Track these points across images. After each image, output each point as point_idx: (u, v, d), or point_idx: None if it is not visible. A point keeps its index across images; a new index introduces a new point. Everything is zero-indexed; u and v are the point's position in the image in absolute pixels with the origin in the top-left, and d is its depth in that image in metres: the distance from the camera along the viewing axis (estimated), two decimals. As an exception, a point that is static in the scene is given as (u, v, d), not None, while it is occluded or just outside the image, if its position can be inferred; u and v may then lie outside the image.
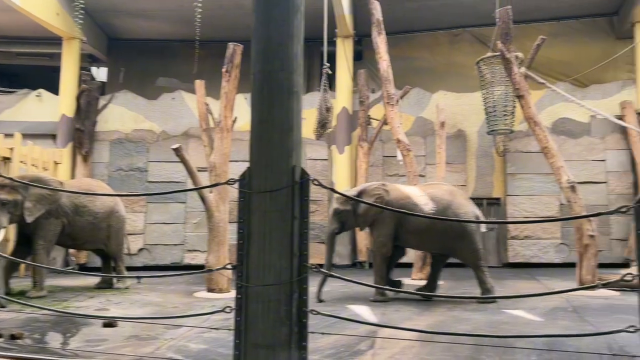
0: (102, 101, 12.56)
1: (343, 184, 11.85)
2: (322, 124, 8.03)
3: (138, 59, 14.43)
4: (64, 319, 5.79)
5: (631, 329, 2.58)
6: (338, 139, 12.14)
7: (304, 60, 13.70)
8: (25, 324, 5.43)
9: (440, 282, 9.07)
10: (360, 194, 7.12)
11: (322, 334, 3.43)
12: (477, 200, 12.28)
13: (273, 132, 3.06)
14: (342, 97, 12.23)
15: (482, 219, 7.15)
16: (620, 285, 7.51)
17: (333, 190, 3.61)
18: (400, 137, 9.49)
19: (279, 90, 3.09)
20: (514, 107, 10.52)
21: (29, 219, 7.12)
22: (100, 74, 15.21)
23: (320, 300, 6.83)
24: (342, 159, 12.11)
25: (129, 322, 5.48)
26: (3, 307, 6.17)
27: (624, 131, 11.41)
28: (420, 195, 7.10)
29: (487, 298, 6.71)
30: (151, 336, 5.04)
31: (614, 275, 7.61)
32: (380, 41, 9.57)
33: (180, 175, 11.47)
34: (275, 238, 3.01)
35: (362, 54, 13.28)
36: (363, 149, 11.89)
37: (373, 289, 7.11)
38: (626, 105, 11.62)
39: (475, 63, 11.07)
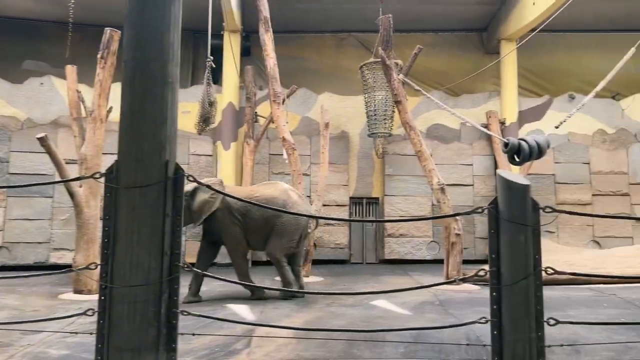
0: (-45, 81, 11.19)
1: (228, 181, 11.66)
2: (205, 119, 7.82)
3: (1, 38, 13.03)
4: None
5: (483, 320, 2.81)
6: (224, 134, 11.93)
7: (190, 52, 13.39)
8: None
9: (320, 279, 9.30)
10: (196, 189, 6.99)
11: (194, 334, 3.32)
12: (358, 200, 12.77)
13: (145, 124, 2.90)
14: (229, 92, 12.04)
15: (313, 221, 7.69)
16: (476, 280, 8.22)
17: (209, 187, 3.51)
18: (285, 135, 9.55)
19: (153, 80, 2.93)
20: (393, 111, 11.06)
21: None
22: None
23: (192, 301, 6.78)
24: (228, 156, 11.92)
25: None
26: None
27: (489, 138, 12.49)
28: (257, 195, 7.11)
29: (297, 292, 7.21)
30: (4, 343, 4.57)
31: (476, 270, 8.29)
32: (267, 38, 9.54)
33: (47, 167, 10.52)
34: (145, 236, 2.86)
35: (250, 50, 13.17)
36: (249, 146, 11.80)
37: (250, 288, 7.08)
38: (491, 114, 12.72)
39: (359, 67, 11.48)
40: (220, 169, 11.94)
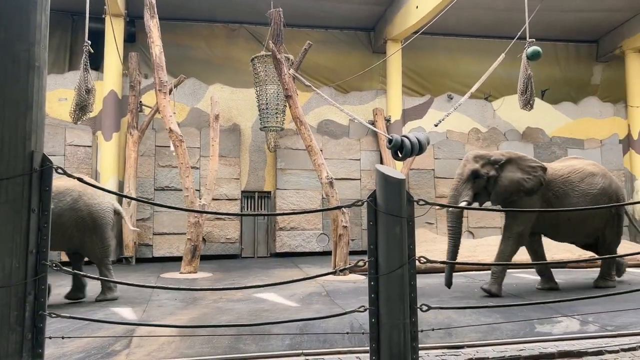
0: None
1: (110, 173, 11.04)
2: (82, 107, 7.29)
3: None
4: None
5: (362, 309, 2.92)
6: (105, 124, 11.25)
7: (68, 36, 12.40)
8: None
9: (209, 274, 9.13)
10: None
11: (63, 337, 3.10)
12: (250, 193, 12.70)
13: (5, 111, 2.64)
14: (111, 80, 11.36)
15: (123, 212, 6.69)
16: (356, 271, 8.57)
17: (80, 179, 3.28)
18: (172, 126, 9.22)
19: (15, 62, 2.68)
20: (285, 106, 11.13)
21: None
22: None
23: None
24: (109, 147, 11.26)
25: None
26: None
27: (375, 134, 13.01)
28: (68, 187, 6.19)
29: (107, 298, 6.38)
30: None
31: (356, 261, 8.62)
32: (152, 25, 9.13)
33: None
34: (5, 234, 2.61)
35: (135, 36, 12.53)
36: (133, 137, 11.24)
37: (135, 287, 6.75)
38: (378, 112, 13.27)
39: (250, 60, 11.39)
40: (100, 161, 11.25)
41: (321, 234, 12.58)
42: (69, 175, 2.96)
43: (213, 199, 10.32)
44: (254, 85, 11.64)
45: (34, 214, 2.71)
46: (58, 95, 11.24)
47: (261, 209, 12.83)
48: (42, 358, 2.67)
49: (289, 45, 9.70)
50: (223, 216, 11.91)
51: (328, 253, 11.76)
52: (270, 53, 9.63)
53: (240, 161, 12.56)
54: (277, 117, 11.61)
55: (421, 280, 5.77)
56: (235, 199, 12.31)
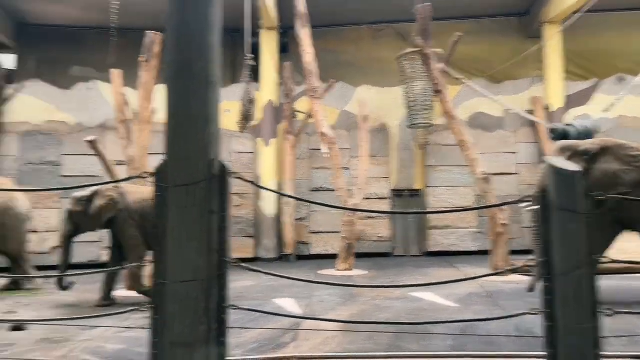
0: (8, 90, 11.71)
1: (269, 177, 11.81)
2: (246, 117, 7.93)
3: (50, 46, 13.55)
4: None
5: (534, 311, 2.75)
6: (264, 131, 12.07)
7: (229, 52, 13.60)
8: None
9: (365, 272, 9.30)
10: (94, 195, 6.71)
11: (241, 328, 3.39)
12: (399, 192, 12.67)
13: (189, 124, 2.97)
14: (268, 90, 12.16)
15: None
16: (525, 271, 8.02)
17: (253, 183, 3.56)
18: (324, 130, 9.57)
19: (196, 80, 2.99)
20: (433, 101, 10.91)
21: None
22: (7, 60, 14.16)
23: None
24: (268, 152, 12.05)
25: (39, 324, 5.17)
26: None
27: (533, 125, 12.15)
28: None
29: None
30: (64, 338, 4.78)
31: (524, 261, 8.10)
32: (304, 34, 9.57)
33: (96, 169, 10.89)
34: (193, 233, 2.92)
35: (288, 47, 13.23)
36: (289, 142, 11.90)
37: (300, 282, 7.12)
38: (536, 100, 12.37)
39: (396, 58, 11.37)
40: (261, 166, 12.09)
41: (476, 232, 12.09)
42: (244, 180, 3.23)
43: (364, 198, 10.50)
44: (400, 83, 11.60)
45: (215, 215, 2.99)
46: (223, 108, 12.30)
47: (411, 208, 12.73)
48: (225, 347, 2.94)
49: (436, 39, 9.47)
50: (375, 215, 12.05)
51: (484, 252, 11.27)
52: (416, 49, 9.52)
53: (389, 160, 12.60)
54: (425, 114, 11.43)
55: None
56: (386, 198, 12.38)
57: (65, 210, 6.89)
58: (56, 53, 13.53)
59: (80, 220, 6.68)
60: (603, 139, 6.14)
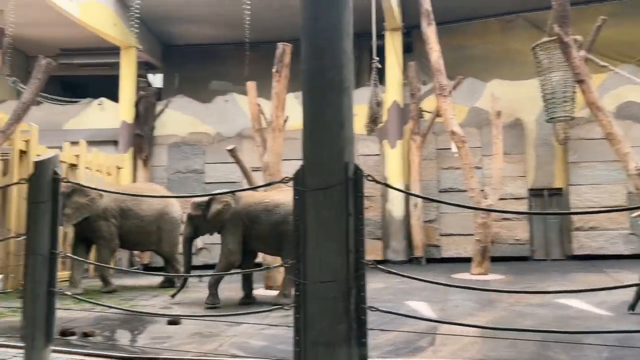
0: (158, 106, 12.99)
1: (396, 179, 11.73)
2: (374, 119, 7.97)
3: (191, 64, 14.82)
4: (131, 317, 6.04)
5: None
6: (390, 133, 12.03)
7: (354, 56, 13.60)
8: (96, 322, 5.70)
9: (501, 277, 8.85)
10: (211, 200, 7.03)
11: (382, 330, 3.40)
12: (538, 191, 11.88)
13: (324, 130, 3.05)
14: (393, 91, 12.11)
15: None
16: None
17: (387, 185, 3.55)
18: (454, 128, 9.29)
19: (330, 87, 3.07)
20: (574, 92, 10.09)
21: (66, 224, 7.54)
22: (156, 80, 15.73)
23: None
24: (395, 154, 11.99)
25: (192, 319, 5.65)
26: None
27: (697, 112, 10.70)
28: (267, 201, 6.96)
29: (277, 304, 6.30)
30: (213, 333, 5.17)
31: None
32: (430, 32, 9.39)
33: (235, 176, 11.68)
34: (331, 235, 3.00)
35: (412, 46, 13.08)
36: (415, 142, 11.73)
37: (432, 285, 6.98)
38: (699, 84, 10.87)
39: (531, 49, 10.69)
40: (387, 168, 12.06)
41: (629, 234, 10.93)
42: (377, 182, 3.24)
43: (499, 199, 9.99)
44: (536, 75, 10.88)
45: (351, 217, 3.04)
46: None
47: (551, 208, 11.85)
48: (366, 347, 2.96)
49: (574, 25, 8.72)
50: (511, 216, 11.42)
51: (637, 256, 10.18)
52: (553, 38, 8.87)
53: (526, 157, 11.87)
54: (565, 106, 10.58)
55: None
56: (522, 198, 11.67)
57: (186, 215, 7.48)
58: (197, 70, 14.75)
59: (199, 223, 7.19)
60: None
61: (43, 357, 3.39)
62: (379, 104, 7.85)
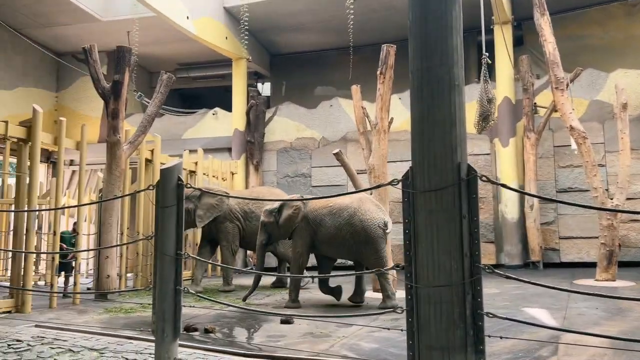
0: (268, 114, 13.53)
1: (509, 179, 11.18)
2: (484, 117, 7.65)
3: (297, 72, 15.25)
4: (247, 315, 6.32)
5: None
6: (501, 131, 11.49)
7: (461, 53, 12.96)
8: (215, 319, 6.04)
9: (630, 283, 8.09)
10: (282, 206, 7.22)
11: (501, 337, 3.24)
12: (674, 190, 10.71)
13: (435, 129, 2.98)
14: (503, 87, 11.56)
15: (390, 224, 6.77)
16: None
17: (505, 186, 3.37)
18: (573, 124, 8.66)
19: (439, 85, 3.00)
20: None
21: (199, 225, 8.02)
22: (265, 89, 16.39)
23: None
24: (507, 153, 11.43)
25: (304, 319, 5.79)
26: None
27: None
28: (331, 204, 6.95)
29: (386, 309, 6.08)
30: (324, 334, 5.25)
31: None
32: (543, 22, 8.84)
33: (341, 179, 11.83)
34: (443, 238, 2.92)
35: (523, 39, 12.40)
36: (530, 140, 11.09)
37: (551, 292, 6.55)
38: None
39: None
40: (499, 167, 11.53)
41: None
42: (493, 182, 3.11)
43: (626, 199, 9.13)
44: (668, 61, 9.83)
45: (465, 220, 2.93)
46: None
47: (692, 208, 10.60)
48: (483, 354, 2.84)
49: None
50: (641, 217, 10.40)
51: None
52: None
53: (658, 152, 10.75)
54: None
55: None
56: (655, 197, 10.58)
57: (260, 222, 7.70)
58: (302, 77, 15.15)
59: (272, 229, 7.40)
60: None
61: (171, 351, 3.65)
62: (490, 100, 7.51)
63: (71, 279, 8.05)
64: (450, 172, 2.96)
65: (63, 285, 8.14)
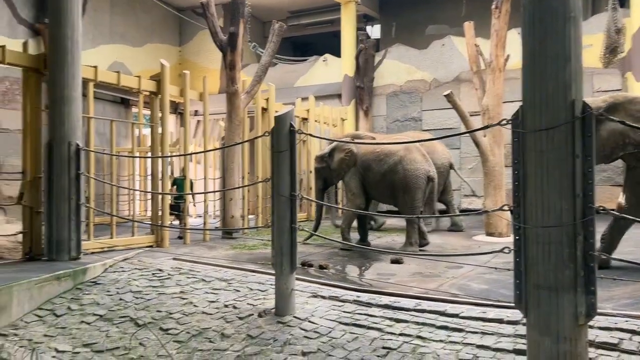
0: (377, 58, 13.38)
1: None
2: (612, 49, 6.96)
3: (407, 11, 14.77)
4: (358, 255, 6.63)
5: None
6: (635, 64, 10.37)
7: (588, -21, 11.85)
8: (328, 257, 6.42)
9: None
10: (333, 150, 7.31)
11: (614, 279, 3.15)
12: None
13: (547, 65, 2.87)
14: (639, 14, 10.32)
15: (435, 176, 6.92)
16: None
17: (632, 126, 3.16)
18: None
19: (553, 17, 2.86)
20: None
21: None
22: (374, 31, 16.13)
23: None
24: (641, 87, 10.34)
25: (414, 259, 5.96)
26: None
27: None
28: (378, 150, 7.04)
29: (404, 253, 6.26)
30: (434, 274, 5.38)
31: None
32: None
33: (452, 122, 11.53)
34: (554, 178, 2.86)
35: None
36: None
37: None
38: None
39: None
40: (633, 104, 10.49)
41: None
42: (610, 119, 2.94)
43: None
44: None
45: (578, 159, 2.84)
46: (583, 43, 11.10)
47: None
48: (594, 295, 2.80)
49: None
50: None
51: None
52: None
53: None
54: None
55: None
56: None
57: (314, 169, 7.82)
58: (413, 16, 14.67)
59: (326, 174, 7.50)
60: (615, 95, 5.31)
61: (289, 282, 4.01)
62: (619, 30, 6.79)
63: (176, 222, 8.71)
64: (563, 110, 2.86)
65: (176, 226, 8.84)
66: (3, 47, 5.71)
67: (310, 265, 5.75)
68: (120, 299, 4.55)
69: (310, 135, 5.21)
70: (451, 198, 9.31)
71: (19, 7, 10.85)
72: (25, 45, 6.26)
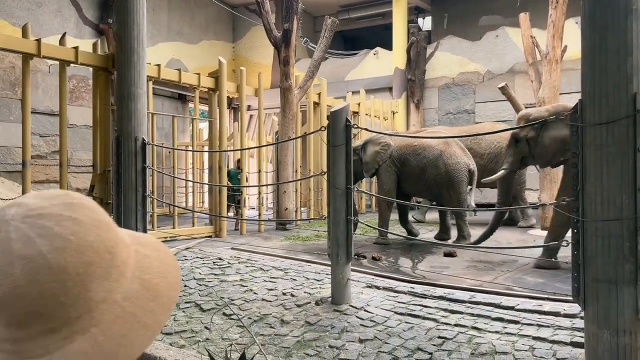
0: (428, 50, 13.28)
1: None
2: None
3: (460, 2, 14.53)
4: (411, 247, 6.69)
5: None
6: None
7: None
8: (381, 249, 6.51)
9: None
10: (366, 143, 7.26)
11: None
12: None
13: (608, 59, 2.86)
14: None
15: (475, 170, 6.88)
16: None
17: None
18: None
19: (614, 10, 2.84)
20: None
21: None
22: (426, 23, 15.97)
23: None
24: None
25: (467, 252, 5.97)
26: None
27: None
28: (416, 144, 7.01)
29: (460, 246, 6.36)
30: (488, 267, 5.39)
31: None
32: None
33: (507, 114, 11.33)
34: (615, 172, 2.86)
35: None
36: None
37: None
38: None
39: None
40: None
41: None
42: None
43: None
44: None
45: (639, 153, 2.83)
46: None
47: None
48: (656, 288, 2.79)
49: None
50: None
51: None
52: None
53: None
54: None
55: None
56: None
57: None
58: (465, 8, 14.41)
59: (357, 168, 7.22)
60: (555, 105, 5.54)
61: (345, 272, 4.14)
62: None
63: (230, 213, 8.91)
64: (624, 104, 2.84)
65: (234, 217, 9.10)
66: (76, 48, 6.10)
67: (364, 257, 5.87)
68: (185, 286, 4.81)
69: (366, 129, 5.30)
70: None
71: (85, 8, 11.43)
72: (95, 46, 6.65)
